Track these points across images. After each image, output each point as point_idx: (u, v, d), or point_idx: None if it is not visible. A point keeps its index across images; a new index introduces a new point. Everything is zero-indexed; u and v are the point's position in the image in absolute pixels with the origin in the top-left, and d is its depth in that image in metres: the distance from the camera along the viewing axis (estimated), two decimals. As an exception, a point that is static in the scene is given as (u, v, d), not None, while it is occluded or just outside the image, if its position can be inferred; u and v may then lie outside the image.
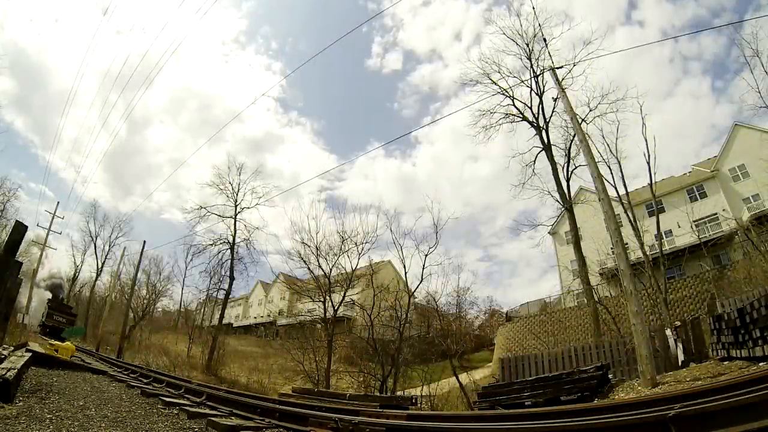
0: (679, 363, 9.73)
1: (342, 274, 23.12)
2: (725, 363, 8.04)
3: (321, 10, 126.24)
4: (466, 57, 72.82)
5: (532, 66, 21.27)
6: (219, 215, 31.85)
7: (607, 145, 19.65)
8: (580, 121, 14.47)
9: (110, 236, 45.77)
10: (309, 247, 22.56)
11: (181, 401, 6.16)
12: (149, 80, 45.00)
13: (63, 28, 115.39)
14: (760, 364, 6.74)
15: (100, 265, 44.97)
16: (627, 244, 14.55)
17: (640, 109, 19.33)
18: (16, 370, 4.91)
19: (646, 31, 79.61)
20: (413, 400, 9.83)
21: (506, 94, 21.66)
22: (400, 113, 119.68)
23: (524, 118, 21.79)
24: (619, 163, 19.81)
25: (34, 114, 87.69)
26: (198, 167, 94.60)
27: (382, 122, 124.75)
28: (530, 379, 10.04)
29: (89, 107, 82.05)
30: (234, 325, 51.25)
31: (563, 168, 20.71)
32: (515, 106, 21.96)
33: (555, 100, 20.58)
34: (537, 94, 21.33)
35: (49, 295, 33.40)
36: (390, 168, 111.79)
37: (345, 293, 22.42)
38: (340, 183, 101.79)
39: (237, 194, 32.61)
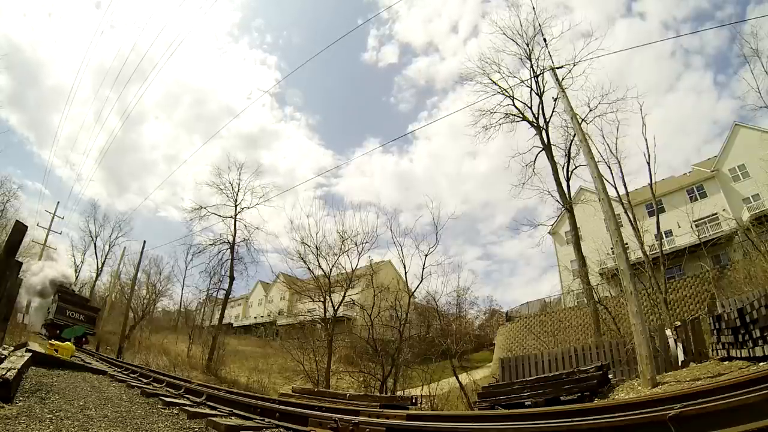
0: (679, 363, 9.73)
1: (342, 273, 23.13)
2: (725, 363, 8.05)
3: (316, 3, 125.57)
4: (464, 50, 72.85)
5: (532, 66, 21.38)
6: (219, 215, 31.91)
7: (607, 145, 19.72)
8: (580, 121, 14.47)
9: (110, 236, 45.86)
10: (308, 246, 22.62)
11: (181, 401, 6.16)
12: (148, 82, 45.03)
13: (57, 22, 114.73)
14: (760, 364, 6.74)
15: (100, 265, 45.07)
16: (627, 244, 14.56)
17: (640, 109, 19.47)
18: (16, 370, 4.90)
19: (647, 24, 78.78)
20: (413, 400, 9.84)
21: (506, 94, 21.75)
22: (397, 107, 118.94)
23: (524, 118, 21.86)
24: (619, 163, 19.89)
25: (29, 110, 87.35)
26: (193, 164, 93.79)
27: (378, 117, 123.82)
28: (530, 379, 10.04)
29: (84, 103, 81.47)
30: (234, 325, 51.21)
31: (563, 168, 20.79)
32: (515, 106, 22.05)
33: (555, 100, 20.67)
34: (537, 94, 21.41)
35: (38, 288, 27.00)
36: (387, 164, 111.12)
37: (345, 293, 22.42)
38: (337, 180, 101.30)
39: (237, 194, 32.63)
